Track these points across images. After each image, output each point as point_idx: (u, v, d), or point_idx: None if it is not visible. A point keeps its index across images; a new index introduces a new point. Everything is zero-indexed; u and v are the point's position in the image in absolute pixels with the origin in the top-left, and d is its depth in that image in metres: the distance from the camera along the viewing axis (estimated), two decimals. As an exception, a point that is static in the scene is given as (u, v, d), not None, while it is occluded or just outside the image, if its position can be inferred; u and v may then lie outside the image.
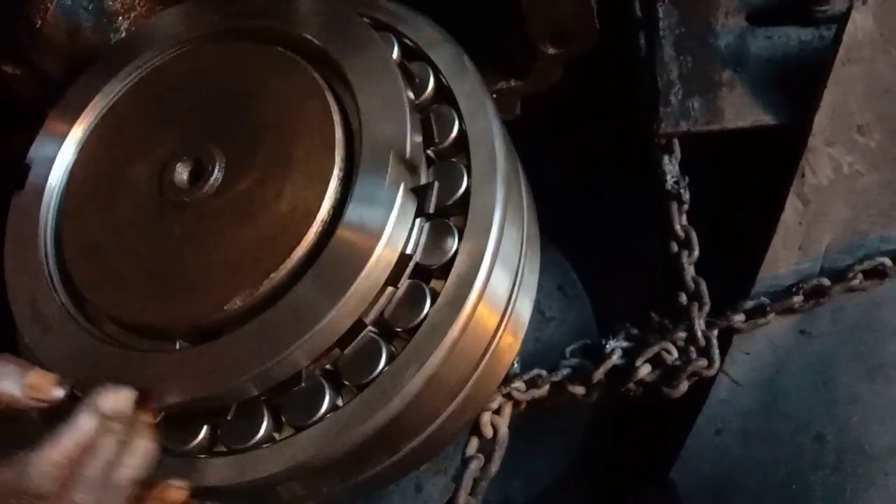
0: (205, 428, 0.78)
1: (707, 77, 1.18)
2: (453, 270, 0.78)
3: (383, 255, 0.74)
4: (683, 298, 1.08)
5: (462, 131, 0.84)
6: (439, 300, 0.77)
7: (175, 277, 0.78)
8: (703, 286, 1.08)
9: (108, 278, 0.80)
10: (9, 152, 1.04)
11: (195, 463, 0.78)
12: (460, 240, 0.79)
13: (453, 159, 0.84)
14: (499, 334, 0.84)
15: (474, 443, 1.00)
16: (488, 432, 1.01)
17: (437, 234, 0.79)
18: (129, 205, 0.83)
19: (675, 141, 1.16)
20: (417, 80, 0.87)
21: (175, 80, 0.89)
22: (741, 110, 1.15)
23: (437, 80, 0.87)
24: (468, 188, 0.81)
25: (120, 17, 1.06)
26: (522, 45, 1.03)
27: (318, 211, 0.75)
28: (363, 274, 0.72)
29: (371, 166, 0.77)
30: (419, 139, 0.80)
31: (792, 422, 1.03)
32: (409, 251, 0.77)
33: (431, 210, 0.79)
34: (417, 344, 0.76)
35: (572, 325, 1.38)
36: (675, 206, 1.12)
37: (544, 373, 1.11)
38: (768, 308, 1.08)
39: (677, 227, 1.11)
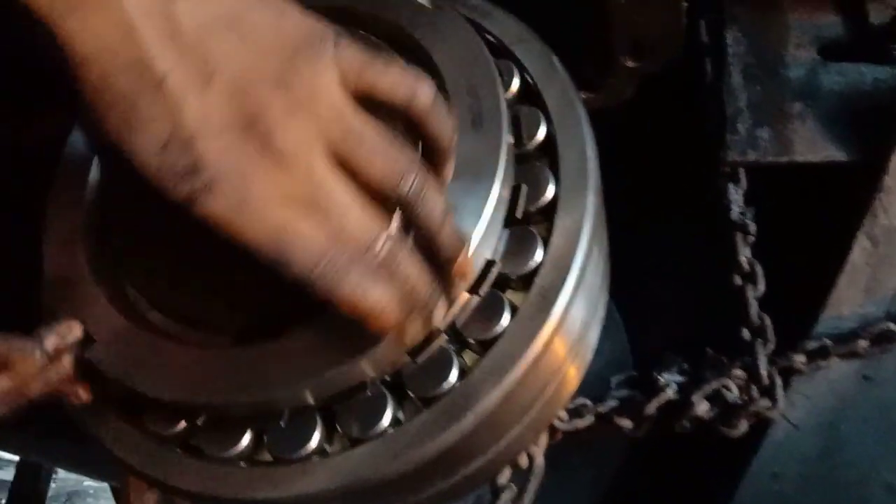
0: (248, 434, 0.71)
1: (777, 108, 1.14)
2: (536, 282, 0.71)
3: (472, 257, 0.68)
4: (746, 334, 1.03)
5: (549, 134, 0.78)
6: (520, 313, 0.70)
7: (232, 270, 0.71)
8: (769, 322, 1.03)
9: (153, 257, 0.73)
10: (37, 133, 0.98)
11: (234, 472, 0.71)
12: (545, 250, 0.73)
13: (537, 163, 0.78)
14: (571, 356, 0.77)
15: (507, 472, 0.94)
16: (524, 462, 0.95)
17: (520, 241, 0.73)
18: None
19: (742, 170, 1.12)
20: (503, 78, 0.81)
21: None
22: (812, 144, 1.11)
23: (523, 79, 0.82)
24: (556, 196, 0.75)
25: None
26: (599, 56, 0.98)
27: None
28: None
29: (463, 161, 0.71)
30: (511, 139, 0.74)
31: (857, 469, 0.98)
32: (492, 257, 0.71)
33: (520, 215, 0.73)
34: (495, 358, 0.69)
35: (608, 356, 1.32)
36: (740, 238, 1.07)
37: (589, 403, 1.05)
38: (831, 350, 1.03)
39: (742, 259, 1.06)
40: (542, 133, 0.78)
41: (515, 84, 0.81)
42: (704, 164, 1.18)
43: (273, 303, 0.69)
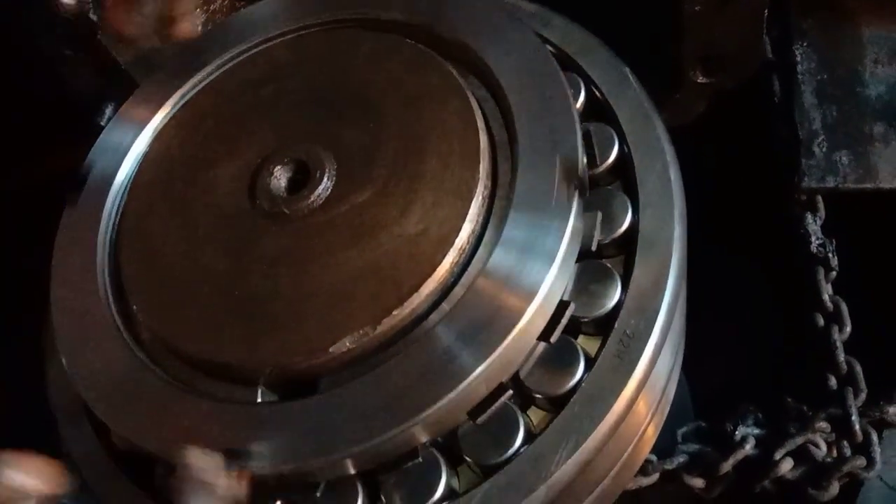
0: (278, 504, 0.61)
1: (856, 129, 1.03)
2: (616, 327, 0.60)
3: (544, 302, 0.57)
4: (833, 382, 0.91)
5: (624, 154, 0.68)
6: (598, 365, 0.60)
7: (263, 307, 0.61)
8: (859, 369, 0.91)
9: (175, 302, 0.63)
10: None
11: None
12: (625, 289, 0.62)
13: (609, 187, 0.68)
14: (653, 413, 0.66)
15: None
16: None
17: (594, 278, 0.62)
18: (209, 214, 0.66)
19: (819, 198, 1.01)
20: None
21: (273, 70, 0.73)
22: (898, 168, 1.00)
23: (590, 92, 0.72)
24: (633, 225, 0.64)
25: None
26: (666, 70, 0.88)
27: (456, 236, 0.59)
28: (519, 327, 0.56)
29: (529, 185, 0.61)
30: (585, 159, 0.64)
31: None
32: (566, 298, 0.60)
33: (594, 248, 0.62)
34: (568, 418, 0.58)
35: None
36: (821, 273, 0.96)
37: (654, 459, 0.93)
38: (931, 401, 0.91)
39: (825, 297, 0.94)
40: (615, 152, 0.68)
41: (582, 98, 0.71)
42: (775, 190, 1.07)
43: (307, 350, 0.58)
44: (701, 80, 0.87)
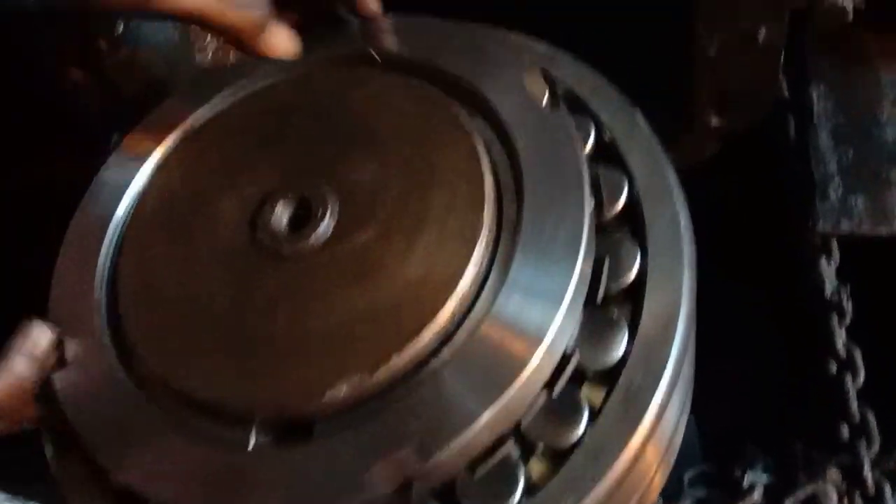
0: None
1: (872, 173, 1.01)
2: (622, 379, 0.59)
3: (549, 351, 0.56)
4: (846, 431, 0.89)
5: (633, 199, 0.67)
6: (603, 417, 0.58)
7: (259, 346, 0.60)
8: (872, 418, 0.88)
9: (173, 339, 0.62)
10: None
11: None
12: (632, 339, 0.60)
13: (617, 234, 0.66)
14: (659, 464, 0.64)
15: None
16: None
17: (600, 327, 0.61)
18: (209, 250, 0.65)
19: (834, 242, 0.99)
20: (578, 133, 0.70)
21: (279, 105, 0.72)
22: (915, 214, 0.98)
23: (599, 135, 0.71)
24: (642, 272, 0.63)
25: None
26: (677, 111, 0.87)
27: (459, 281, 0.57)
28: (523, 377, 0.54)
29: (535, 230, 0.59)
30: (591, 201, 0.63)
31: None
32: (570, 348, 0.59)
33: (601, 296, 0.61)
34: (572, 472, 0.56)
35: (676, 445, 1.19)
36: (835, 320, 0.94)
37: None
38: (945, 453, 0.89)
39: (839, 344, 0.92)
40: (624, 198, 0.66)
41: (591, 141, 0.70)
42: (788, 231, 1.05)
43: (303, 394, 0.57)
44: (713, 121, 0.86)
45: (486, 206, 0.60)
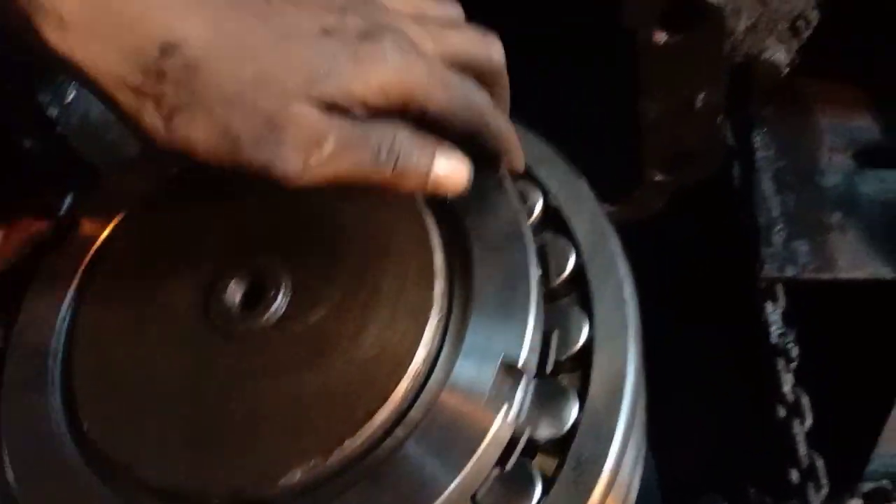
0: None
1: (815, 218, 1.05)
2: (573, 449, 0.60)
3: (501, 428, 0.57)
4: (795, 475, 0.91)
5: (580, 268, 0.68)
6: (556, 486, 0.59)
7: (213, 429, 0.60)
8: (820, 463, 0.91)
9: (126, 422, 0.62)
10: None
11: None
12: (581, 408, 0.62)
13: (565, 300, 0.68)
14: (612, 531, 0.66)
15: None
16: None
17: (550, 397, 0.62)
18: (162, 330, 0.65)
19: (779, 287, 1.02)
20: (525, 203, 0.72)
21: (228, 178, 0.73)
22: (855, 259, 1.01)
23: (547, 203, 0.73)
24: (590, 340, 0.65)
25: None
26: (627, 168, 0.90)
27: (410, 361, 0.59)
28: (476, 455, 0.55)
29: (485, 307, 0.61)
30: (539, 272, 0.65)
31: None
32: (522, 421, 0.60)
33: (550, 368, 0.62)
34: (524, 545, 0.58)
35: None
36: (782, 364, 0.97)
37: (619, 551, 0.93)
38: (891, 492, 0.92)
39: (786, 388, 0.95)
40: (571, 267, 0.68)
41: (538, 209, 0.72)
42: (738, 275, 1.08)
43: (257, 480, 0.57)
44: (660, 178, 0.88)
45: (436, 283, 0.62)
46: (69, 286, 0.69)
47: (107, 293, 0.68)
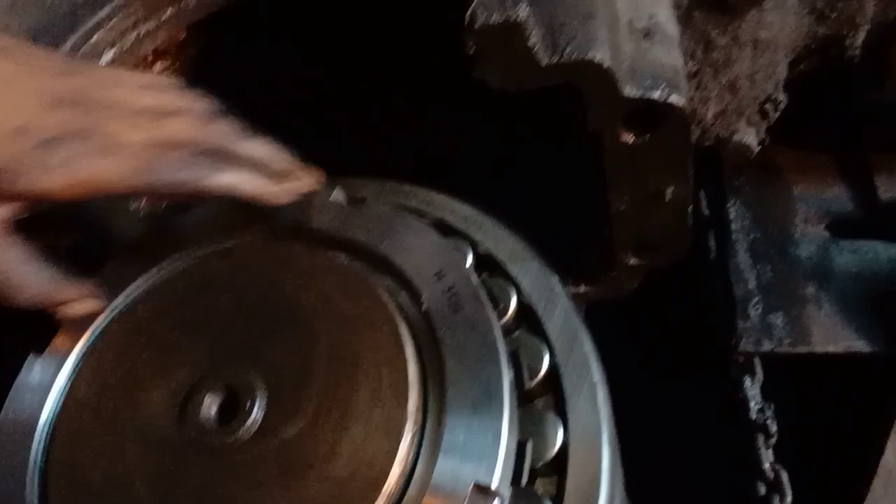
0: None
1: (790, 290, 1.06)
2: (548, 562, 0.61)
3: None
4: (777, 556, 0.92)
5: (553, 369, 0.69)
6: None
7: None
8: (801, 543, 0.92)
9: None
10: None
11: None
12: (555, 516, 0.62)
13: (539, 404, 0.69)
14: None
15: None
16: None
17: (523, 504, 0.63)
18: (139, 441, 0.65)
19: (757, 360, 1.03)
20: (497, 300, 0.73)
21: (206, 283, 0.74)
22: (831, 332, 1.03)
23: (520, 301, 0.74)
24: (564, 446, 0.65)
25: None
26: (600, 251, 0.91)
27: (384, 481, 0.59)
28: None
29: (458, 422, 0.61)
30: (511, 376, 0.65)
31: None
32: (493, 535, 0.60)
33: (525, 479, 0.63)
34: None
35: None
36: (761, 440, 0.97)
37: None
38: (871, 568, 0.92)
39: (766, 465, 0.96)
40: (544, 368, 0.69)
41: (512, 307, 0.73)
42: (715, 347, 1.09)
43: None
44: (633, 261, 0.90)
45: (409, 398, 0.62)
46: (46, 398, 0.70)
47: (85, 407, 0.68)
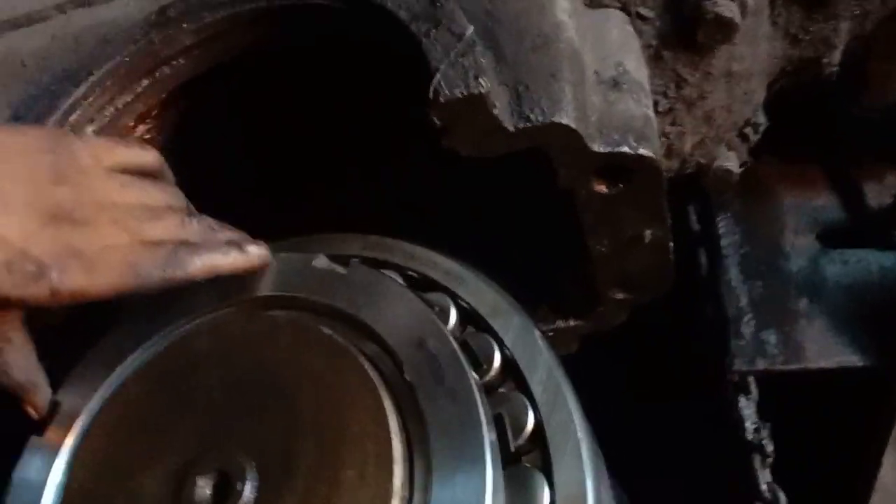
0: None
1: (782, 306, 1.07)
2: None
3: None
4: (777, 576, 0.93)
5: (538, 426, 0.70)
6: None
7: None
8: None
9: None
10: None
11: None
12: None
13: (526, 462, 0.70)
14: None
15: None
16: None
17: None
18: None
19: (751, 379, 1.04)
20: (480, 356, 0.74)
21: (194, 361, 0.75)
22: (824, 347, 1.03)
23: (504, 356, 0.75)
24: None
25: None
26: (586, 288, 0.92)
27: (373, 561, 0.61)
28: None
29: (444, 490, 0.62)
30: (494, 437, 0.67)
31: None
32: None
33: (510, 545, 0.64)
34: None
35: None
36: (757, 461, 0.98)
37: None
38: (872, 585, 0.93)
39: (763, 486, 0.97)
40: (529, 427, 0.70)
41: (496, 364, 0.74)
42: (708, 363, 1.10)
43: None
44: (619, 296, 0.90)
45: (395, 473, 0.63)
46: (42, 493, 0.71)
47: (82, 497, 0.70)
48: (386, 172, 0.96)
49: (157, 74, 0.86)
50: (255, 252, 0.77)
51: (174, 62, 0.86)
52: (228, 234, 0.78)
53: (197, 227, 0.75)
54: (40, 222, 0.67)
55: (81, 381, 0.76)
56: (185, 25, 0.84)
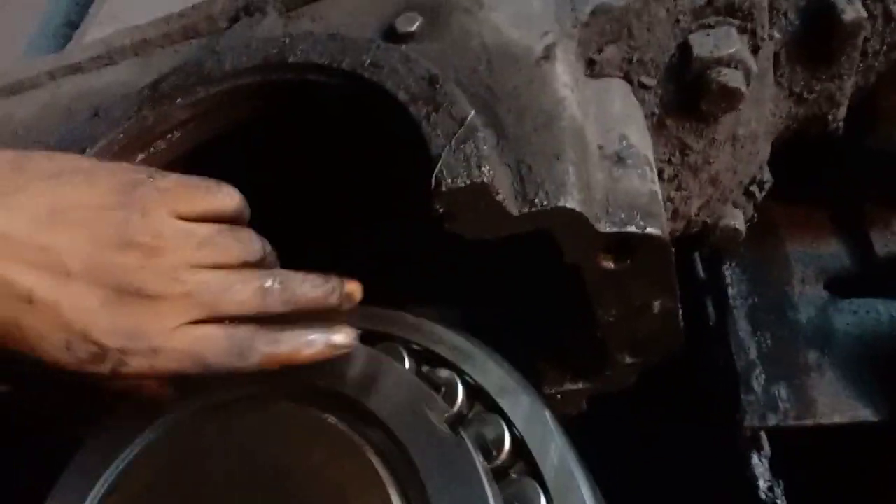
0: None
1: (791, 358, 1.05)
2: None
3: None
4: None
5: (549, 510, 0.69)
6: None
7: None
8: None
9: None
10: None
11: None
12: None
13: (538, 549, 0.69)
14: None
15: None
16: None
17: None
18: None
19: (763, 434, 1.02)
20: (489, 439, 0.73)
21: (198, 452, 0.74)
22: (836, 401, 1.01)
23: (514, 438, 0.73)
24: None
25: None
26: (595, 352, 0.90)
27: None
28: None
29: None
30: None
31: None
32: None
33: None
34: None
35: None
36: (771, 520, 0.97)
37: None
38: None
39: (777, 546, 0.95)
40: (541, 512, 0.69)
41: (507, 447, 0.73)
42: (718, 419, 1.08)
43: None
44: (628, 360, 0.89)
45: None
46: None
47: None
48: (389, 228, 0.95)
49: (152, 149, 0.85)
50: (342, 342, 0.71)
51: (169, 136, 0.85)
52: (313, 299, 0.70)
53: (278, 296, 0.67)
54: (103, 297, 0.61)
55: (83, 469, 0.75)
56: (179, 101, 0.83)
